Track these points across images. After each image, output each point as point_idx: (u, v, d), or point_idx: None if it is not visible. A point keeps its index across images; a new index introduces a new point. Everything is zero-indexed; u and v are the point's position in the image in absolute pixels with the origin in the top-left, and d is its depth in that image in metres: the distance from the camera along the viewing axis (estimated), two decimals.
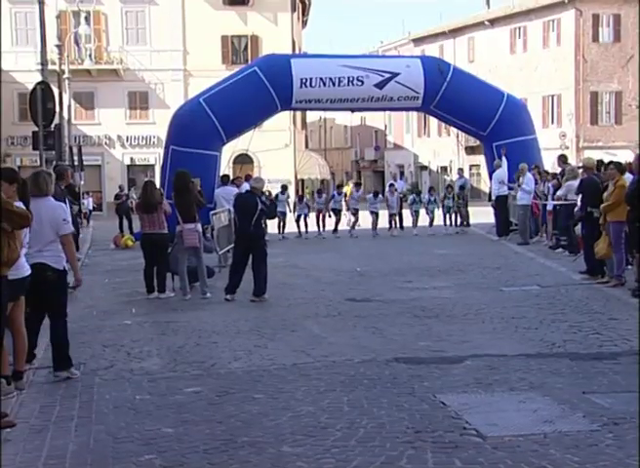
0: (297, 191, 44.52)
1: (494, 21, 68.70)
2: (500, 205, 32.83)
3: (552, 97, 63.84)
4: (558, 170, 30.59)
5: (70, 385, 11.71)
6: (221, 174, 34.01)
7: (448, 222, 39.75)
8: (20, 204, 10.77)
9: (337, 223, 40.44)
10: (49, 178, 12.38)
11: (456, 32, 72.01)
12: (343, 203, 41.53)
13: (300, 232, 39.51)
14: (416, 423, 9.40)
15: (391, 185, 43.52)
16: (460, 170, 47.14)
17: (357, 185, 45.20)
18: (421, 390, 10.83)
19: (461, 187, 40.57)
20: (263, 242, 19.83)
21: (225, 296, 19.02)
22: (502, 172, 33.19)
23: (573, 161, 44.98)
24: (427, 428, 9.19)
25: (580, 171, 20.85)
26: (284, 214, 38.24)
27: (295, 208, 40.68)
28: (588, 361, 12.35)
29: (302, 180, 63.63)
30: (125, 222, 38.60)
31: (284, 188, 40.66)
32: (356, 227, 39.83)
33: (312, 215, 40.58)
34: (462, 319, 16.25)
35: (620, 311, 16.18)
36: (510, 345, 13.42)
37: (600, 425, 9.28)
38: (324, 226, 40.09)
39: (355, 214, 40.26)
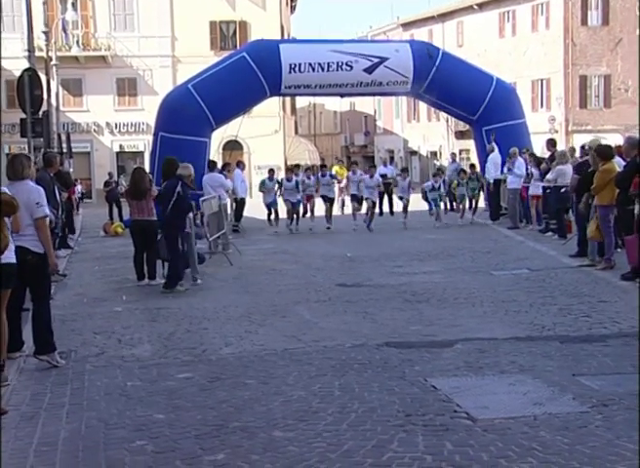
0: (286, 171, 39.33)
1: (482, 5, 68.54)
2: (496, 189, 32.85)
3: (541, 80, 63.83)
4: (547, 154, 30.61)
5: (61, 372, 11.73)
6: (210, 160, 33.91)
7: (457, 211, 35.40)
8: (5, 189, 10.81)
9: (328, 212, 35.26)
10: (26, 162, 12.33)
11: (444, 17, 72.02)
12: (336, 189, 38.50)
13: (291, 221, 34.07)
14: (406, 407, 9.44)
15: (404, 170, 39.31)
16: (453, 154, 47.46)
17: (371, 169, 37.31)
18: (412, 374, 10.88)
19: (462, 170, 38.04)
20: (175, 232, 19.32)
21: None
22: (497, 155, 33.31)
23: (562, 145, 45.03)
24: (418, 411, 9.23)
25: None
26: (274, 203, 34.64)
27: (281, 191, 34.80)
28: (578, 343, 12.41)
29: (292, 168, 63.62)
30: (115, 210, 38.58)
31: (271, 173, 36.27)
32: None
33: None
34: (453, 303, 16.29)
35: (609, 294, 16.26)
36: (500, 328, 13.48)
37: (589, 407, 9.34)
38: (312, 213, 36.04)
39: (373, 205, 34.59)
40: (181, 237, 19.18)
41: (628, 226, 17.57)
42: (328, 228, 33.96)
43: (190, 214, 19.86)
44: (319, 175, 36.30)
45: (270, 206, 34.67)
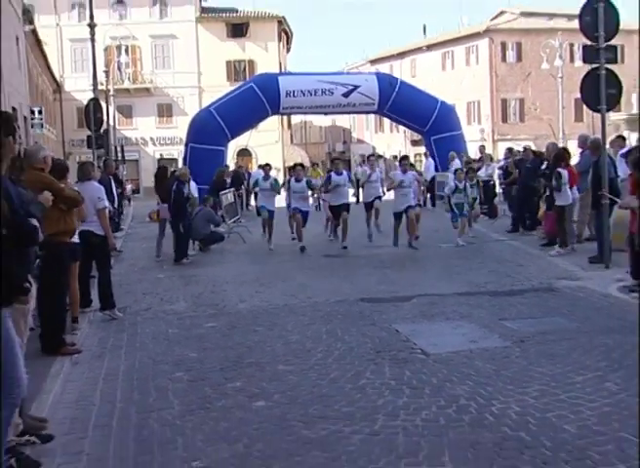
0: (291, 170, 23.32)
1: (430, 47, 68.54)
2: (434, 183, 32.83)
3: (474, 102, 63.85)
4: (479, 156, 30.96)
5: (120, 323, 11.78)
6: (226, 164, 34.04)
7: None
8: (75, 187, 10.84)
9: (298, 230, 20.52)
10: (91, 167, 12.63)
11: (402, 55, 71.80)
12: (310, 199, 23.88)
13: (298, 235, 20.50)
14: (376, 346, 9.49)
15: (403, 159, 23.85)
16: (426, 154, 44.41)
17: (375, 159, 25.05)
18: (381, 321, 10.93)
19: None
20: (177, 220, 18.78)
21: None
22: (431, 161, 35.39)
23: (489, 149, 45.06)
24: (385, 349, 9.28)
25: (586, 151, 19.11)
26: (270, 212, 21.22)
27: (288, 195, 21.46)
28: (502, 296, 12.49)
29: (289, 168, 63.19)
30: None
31: (266, 168, 24.35)
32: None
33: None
34: (410, 268, 16.33)
35: (526, 259, 16.33)
36: (446, 287, 13.50)
37: (511, 343, 9.43)
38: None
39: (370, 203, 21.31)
40: (182, 223, 19.16)
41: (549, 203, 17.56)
42: (302, 249, 19.84)
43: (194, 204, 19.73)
44: (292, 179, 21.10)
45: (261, 212, 21.75)
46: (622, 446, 6.00)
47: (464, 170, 22.07)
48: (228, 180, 31.29)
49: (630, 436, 6.18)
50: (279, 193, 22.23)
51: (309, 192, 21.55)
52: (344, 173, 21.26)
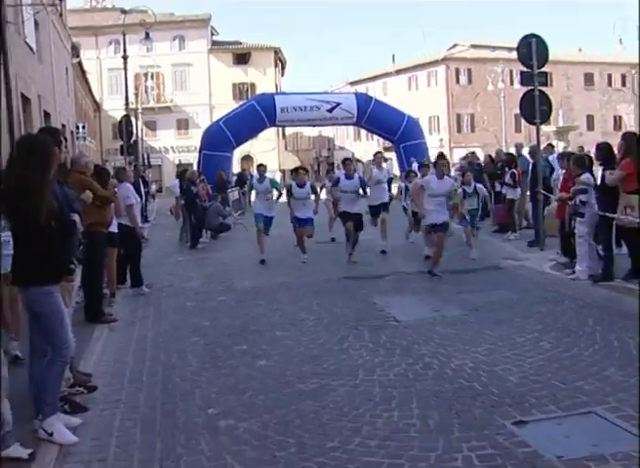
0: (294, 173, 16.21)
1: (398, 72, 68.52)
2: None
3: (434, 116, 63.77)
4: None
5: (147, 297, 11.75)
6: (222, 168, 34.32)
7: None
8: (116, 189, 10.84)
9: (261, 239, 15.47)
10: (124, 172, 12.74)
11: (375, 78, 71.59)
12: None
13: (301, 247, 15.32)
14: (358, 315, 9.49)
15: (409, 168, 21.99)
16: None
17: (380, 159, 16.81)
18: (361, 295, 10.92)
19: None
20: (187, 213, 18.95)
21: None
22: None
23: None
24: (365, 318, 9.27)
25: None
26: (267, 220, 15.54)
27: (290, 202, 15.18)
28: (460, 274, 12.48)
29: (284, 171, 63.04)
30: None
31: (260, 168, 16.67)
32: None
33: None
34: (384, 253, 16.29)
35: (481, 246, 16.30)
36: (414, 266, 13.45)
37: (467, 311, 9.44)
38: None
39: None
40: (194, 215, 19.18)
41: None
42: (262, 261, 15.10)
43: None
44: (294, 184, 15.06)
45: (256, 222, 15.52)
46: (554, 391, 6.07)
47: (411, 172, 18.07)
48: (234, 179, 31.46)
49: (560, 383, 6.25)
50: (280, 194, 15.83)
51: (313, 197, 14.95)
52: (356, 176, 14.76)
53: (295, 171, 15.99)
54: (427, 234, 13.70)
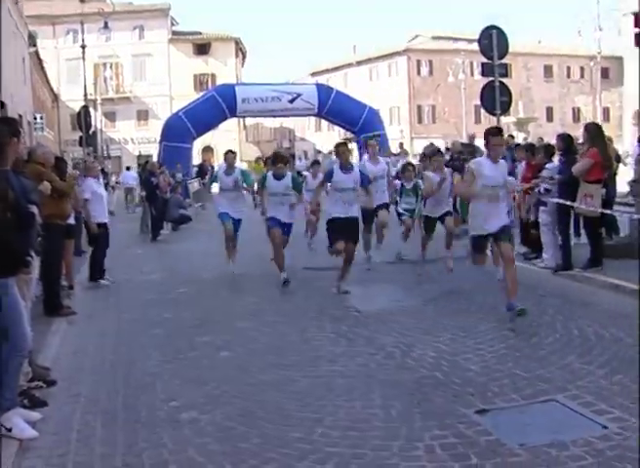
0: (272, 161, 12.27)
1: (359, 63, 68.68)
2: None
3: (395, 107, 64.11)
4: (398, 151, 31.22)
5: (107, 290, 11.68)
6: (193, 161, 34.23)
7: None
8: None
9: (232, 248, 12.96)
10: (90, 167, 12.72)
11: (337, 69, 71.61)
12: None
13: (277, 262, 11.30)
14: (319, 305, 9.50)
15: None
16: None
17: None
18: (322, 286, 10.91)
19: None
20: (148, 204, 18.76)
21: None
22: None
23: (407, 146, 45.17)
24: (326, 308, 9.28)
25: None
26: (236, 223, 12.76)
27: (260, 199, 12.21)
28: (419, 265, 12.52)
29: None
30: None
31: (229, 155, 12.89)
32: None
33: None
34: None
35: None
36: (374, 257, 13.43)
37: (425, 300, 9.53)
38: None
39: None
40: (154, 206, 19.12)
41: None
42: (286, 282, 11.02)
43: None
44: (269, 175, 11.55)
45: (223, 222, 12.64)
46: (515, 380, 6.12)
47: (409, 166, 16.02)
48: (194, 170, 31.56)
49: (521, 372, 6.30)
50: (253, 191, 13.23)
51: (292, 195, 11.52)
52: (356, 168, 10.68)
53: (273, 159, 12.08)
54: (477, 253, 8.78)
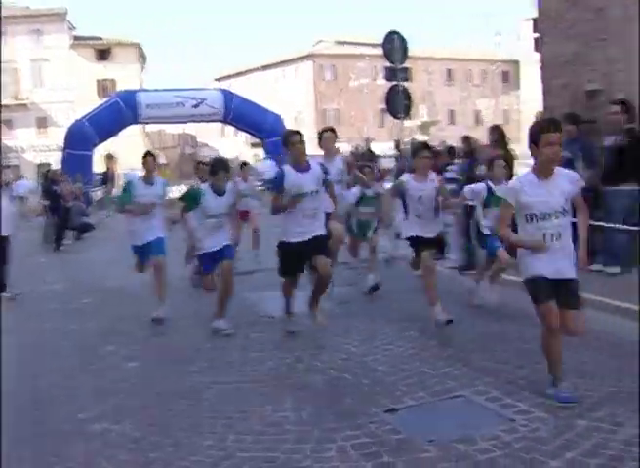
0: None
1: (264, 68, 69.16)
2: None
3: (300, 112, 64.52)
4: None
5: (8, 302, 11.30)
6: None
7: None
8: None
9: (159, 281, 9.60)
10: None
11: (241, 74, 71.79)
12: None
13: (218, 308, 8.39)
14: (230, 311, 9.30)
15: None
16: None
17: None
18: (236, 291, 10.80)
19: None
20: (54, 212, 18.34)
21: None
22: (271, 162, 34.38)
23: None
24: (237, 314, 9.09)
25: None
26: (157, 243, 9.46)
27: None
28: (333, 267, 12.56)
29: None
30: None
31: (149, 159, 9.48)
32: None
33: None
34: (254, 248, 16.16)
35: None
36: None
37: (337, 304, 9.53)
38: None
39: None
40: (57, 215, 18.77)
41: None
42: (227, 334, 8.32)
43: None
44: (206, 189, 8.23)
45: (140, 256, 9.95)
46: (423, 378, 6.27)
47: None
48: (97, 178, 31.01)
49: (429, 370, 6.47)
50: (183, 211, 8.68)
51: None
52: (314, 164, 7.93)
53: (212, 167, 8.43)
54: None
